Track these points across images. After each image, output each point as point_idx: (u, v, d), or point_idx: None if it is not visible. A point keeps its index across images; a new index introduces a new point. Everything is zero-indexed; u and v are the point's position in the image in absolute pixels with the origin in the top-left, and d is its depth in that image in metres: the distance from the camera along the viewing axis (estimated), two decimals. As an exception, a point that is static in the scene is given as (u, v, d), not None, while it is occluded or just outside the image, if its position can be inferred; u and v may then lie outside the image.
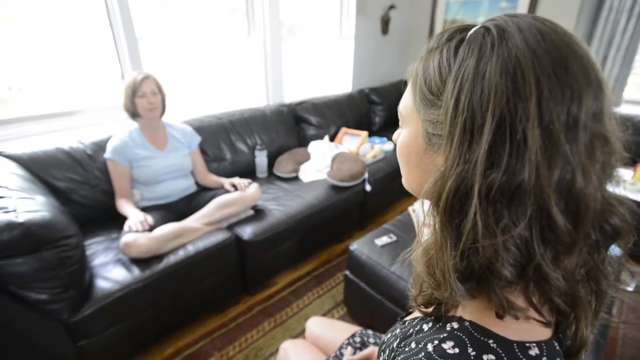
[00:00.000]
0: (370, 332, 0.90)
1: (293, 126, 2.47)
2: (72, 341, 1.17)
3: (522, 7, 2.67)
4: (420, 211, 1.72)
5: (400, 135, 0.44)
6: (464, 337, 0.34)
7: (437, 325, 0.38)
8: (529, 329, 0.34)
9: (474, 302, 0.36)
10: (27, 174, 1.36)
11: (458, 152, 0.31)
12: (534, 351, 0.33)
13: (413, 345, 0.37)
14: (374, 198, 2.25)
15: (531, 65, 0.28)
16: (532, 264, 0.30)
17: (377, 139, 2.65)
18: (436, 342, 0.35)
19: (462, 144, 0.31)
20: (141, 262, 1.33)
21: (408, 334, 0.42)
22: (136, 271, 1.30)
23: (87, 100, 1.78)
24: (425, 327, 0.40)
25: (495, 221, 0.30)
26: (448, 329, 0.36)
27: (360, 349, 0.84)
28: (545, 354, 0.33)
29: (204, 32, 2.09)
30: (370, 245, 1.48)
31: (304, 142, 2.49)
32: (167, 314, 1.43)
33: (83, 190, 1.55)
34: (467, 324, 0.35)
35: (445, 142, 0.33)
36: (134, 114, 1.54)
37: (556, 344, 0.35)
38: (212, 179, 1.83)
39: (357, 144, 2.46)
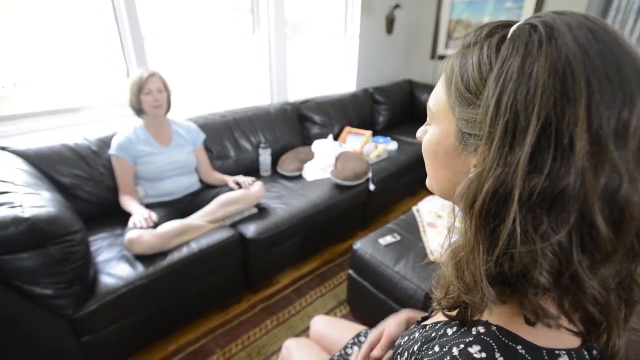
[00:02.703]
0: (375, 331, 0.90)
1: (297, 125, 2.46)
2: (76, 337, 1.17)
3: (529, 7, 2.65)
4: (425, 211, 1.71)
5: (429, 132, 0.42)
6: (491, 342, 0.33)
7: (462, 330, 0.37)
8: (558, 337, 0.33)
9: (502, 307, 0.35)
10: (32, 169, 1.37)
11: (498, 155, 0.30)
12: (563, 359, 0.32)
13: (437, 349, 0.36)
14: (377, 198, 2.25)
15: (582, 66, 0.27)
16: (569, 272, 0.29)
17: (381, 139, 2.64)
18: (462, 346, 0.34)
19: (502, 146, 0.30)
20: (145, 258, 1.33)
21: (430, 338, 0.40)
22: (140, 268, 1.30)
23: (93, 97, 1.79)
24: (450, 331, 0.38)
25: (534, 228, 0.29)
26: (474, 333, 0.35)
27: (365, 348, 0.83)
28: None
29: (209, 30, 2.10)
30: (374, 245, 1.48)
31: (308, 141, 2.49)
32: (170, 311, 1.43)
33: (88, 187, 1.56)
34: (494, 328, 0.34)
35: (484, 143, 0.31)
36: (139, 111, 1.54)
37: (586, 353, 0.34)
38: (217, 177, 1.83)
39: (361, 144, 2.45)
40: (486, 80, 0.32)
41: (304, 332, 1.56)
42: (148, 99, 1.50)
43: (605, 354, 0.35)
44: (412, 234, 1.56)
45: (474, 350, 0.32)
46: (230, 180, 1.77)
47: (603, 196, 0.28)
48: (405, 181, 2.51)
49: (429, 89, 3.21)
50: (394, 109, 3.08)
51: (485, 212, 0.31)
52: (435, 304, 0.47)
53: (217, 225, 1.58)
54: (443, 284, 0.41)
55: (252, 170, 2.15)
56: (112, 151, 1.53)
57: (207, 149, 1.92)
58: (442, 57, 3.27)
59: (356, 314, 1.63)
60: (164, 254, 1.37)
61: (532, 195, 0.28)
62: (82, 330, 1.17)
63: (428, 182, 0.45)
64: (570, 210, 0.28)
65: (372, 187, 2.14)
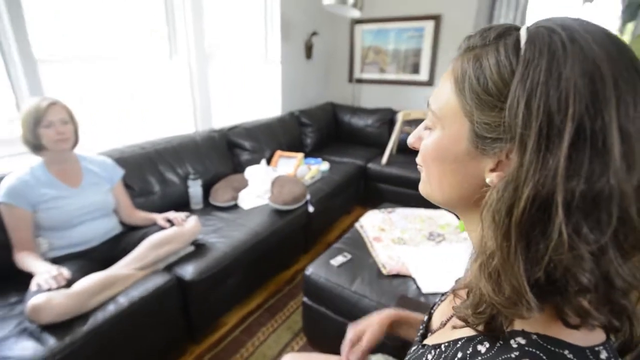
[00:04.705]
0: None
1: (226, 152, 2.34)
2: None
3: (428, 35, 3.00)
4: (368, 226, 1.74)
5: (432, 137, 0.40)
6: (537, 352, 0.31)
7: (498, 344, 0.34)
8: (588, 334, 0.33)
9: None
10: None
11: (535, 158, 0.29)
12: (603, 354, 0.32)
13: None
14: (316, 219, 2.23)
15: (608, 67, 0.28)
16: (604, 270, 0.29)
17: (312, 160, 2.66)
18: None
19: (538, 150, 0.29)
20: (58, 327, 1.07)
21: (458, 359, 0.37)
22: (51, 341, 1.04)
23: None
24: (482, 348, 0.35)
25: (576, 231, 0.28)
26: (515, 346, 0.32)
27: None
28: (611, 355, 0.32)
29: (121, 54, 1.89)
30: (326, 267, 1.44)
31: (239, 168, 2.37)
32: (95, 386, 1.17)
33: (-35, 247, 1.22)
34: (534, 337, 0.32)
35: (517, 148, 0.31)
36: (36, 147, 1.28)
37: (612, 342, 0.35)
38: (141, 216, 1.61)
39: (294, 166, 2.43)
40: (509, 83, 0.31)
41: (261, 375, 1.42)
42: (49, 132, 1.26)
43: (630, 341, 0.35)
44: (360, 250, 1.56)
45: None
46: (159, 217, 1.57)
47: (636, 195, 0.28)
48: (340, 200, 2.55)
49: (350, 109, 3.39)
50: (320, 130, 3.16)
51: (526, 220, 0.30)
52: (445, 320, 0.45)
53: (148, 272, 1.37)
54: (472, 301, 0.37)
55: (182, 204, 1.96)
56: (0, 198, 1.23)
57: (127, 185, 1.68)
58: (359, 80, 3.49)
59: (314, 343, 1.55)
60: (83, 317, 1.12)
61: (572, 199, 0.28)
62: None
63: (424, 188, 0.43)
64: (611, 211, 0.28)
65: (311, 209, 2.12)
